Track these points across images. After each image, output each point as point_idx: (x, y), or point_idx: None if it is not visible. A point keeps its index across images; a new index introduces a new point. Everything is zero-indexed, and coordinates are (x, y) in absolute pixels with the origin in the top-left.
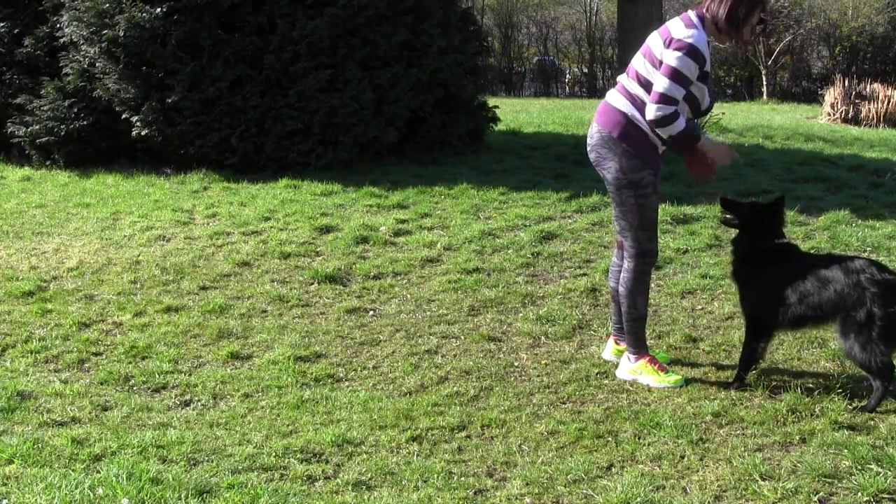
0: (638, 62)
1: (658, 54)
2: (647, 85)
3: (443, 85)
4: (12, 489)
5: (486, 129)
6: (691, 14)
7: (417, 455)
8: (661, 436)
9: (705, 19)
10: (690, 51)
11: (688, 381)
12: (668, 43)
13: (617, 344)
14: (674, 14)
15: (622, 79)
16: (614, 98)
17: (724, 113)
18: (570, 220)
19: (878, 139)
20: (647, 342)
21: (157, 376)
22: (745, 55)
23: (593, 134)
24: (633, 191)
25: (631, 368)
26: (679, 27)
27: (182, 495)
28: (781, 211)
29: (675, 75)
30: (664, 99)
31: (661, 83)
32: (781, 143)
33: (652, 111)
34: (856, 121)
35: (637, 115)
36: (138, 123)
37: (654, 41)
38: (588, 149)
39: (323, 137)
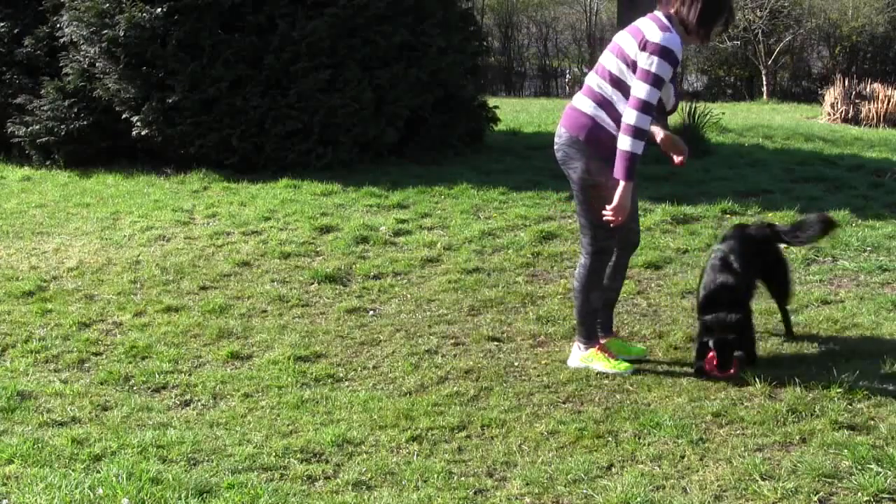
0: (610, 62)
1: (632, 55)
2: (619, 84)
3: (443, 85)
4: (12, 489)
5: (486, 129)
6: (660, 15)
7: (417, 455)
8: (661, 436)
9: (674, 20)
10: (667, 54)
11: (688, 381)
12: (644, 45)
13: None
14: None
15: (590, 80)
16: (580, 101)
17: (724, 113)
18: (570, 220)
19: (878, 139)
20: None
21: (157, 376)
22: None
23: (561, 135)
24: (597, 191)
25: (583, 357)
26: (653, 29)
27: (182, 495)
28: None
29: (654, 80)
30: (644, 106)
31: (640, 89)
32: (781, 143)
33: (633, 117)
34: (856, 121)
35: (604, 116)
36: (138, 123)
37: (625, 41)
38: (555, 148)
39: (323, 137)
